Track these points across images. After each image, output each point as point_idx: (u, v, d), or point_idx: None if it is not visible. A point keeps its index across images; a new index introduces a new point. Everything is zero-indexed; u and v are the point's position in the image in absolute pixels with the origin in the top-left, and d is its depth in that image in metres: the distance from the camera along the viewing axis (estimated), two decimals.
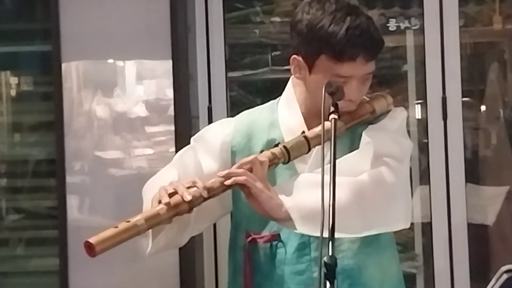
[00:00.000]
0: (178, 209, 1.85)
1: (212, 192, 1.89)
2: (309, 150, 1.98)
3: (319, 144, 1.96)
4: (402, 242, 3.44)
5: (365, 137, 1.97)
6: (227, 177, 1.90)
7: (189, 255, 2.92)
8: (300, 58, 2.00)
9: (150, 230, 1.93)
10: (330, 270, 1.52)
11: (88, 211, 2.98)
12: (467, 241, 3.20)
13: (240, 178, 1.88)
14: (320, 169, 1.87)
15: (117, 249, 2.88)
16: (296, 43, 2.00)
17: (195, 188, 1.87)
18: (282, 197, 1.91)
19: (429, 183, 3.24)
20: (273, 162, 1.94)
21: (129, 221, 1.81)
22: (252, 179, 1.88)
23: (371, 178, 1.92)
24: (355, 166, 1.92)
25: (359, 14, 1.96)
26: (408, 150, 2.05)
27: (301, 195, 1.90)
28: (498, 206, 3.62)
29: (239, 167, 1.91)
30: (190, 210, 1.88)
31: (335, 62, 1.94)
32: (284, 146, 1.95)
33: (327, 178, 1.64)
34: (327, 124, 1.78)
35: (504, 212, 3.62)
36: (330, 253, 1.53)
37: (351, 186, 1.88)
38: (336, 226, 1.58)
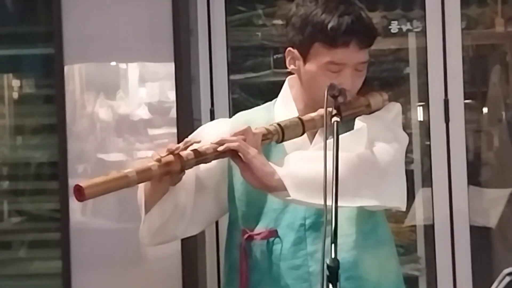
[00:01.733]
0: (169, 167, 1.86)
1: (204, 156, 1.89)
2: (303, 132, 1.99)
3: (314, 128, 1.99)
4: (405, 244, 3.44)
5: (358, 122, 1.99)
6: (220, 143, 1.90)
7: (191, 258, 2.92)
8: (294, 50, 2.03)
9: (143, 204, 1.96)
10: (333, 273, 1.52)
11: (91, 213, 2.98)
12: (469, 243, 3.20)
13: (233, 144, 1.89)
14: (315, 144, 1.96)
15: (120, 252, 2.89)
16: (290, 35, 2.04)
17: (188, 151, 1.89)
18: (275, 167, 1.91)
19: (431, 186, 3.23)
20: (267, 137, 1.95)
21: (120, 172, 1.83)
22: (245, 145, 1.89)
23: (365, 154, 1.93)
24: (349, 148, 1.91)
25: (351, 3, 2.01)
26: (403, 140, 2.05)
27: (294, 165, 1.91)
28: (500, 208, 3.61)
29: (232, 136, 1.92)
30: (181, 171, 1.89)
31: (329, 49, 1.97)
32: (278, 124, 1.97)
33: (323, 157, 1.67)
34: (323, 110, 1.81)
35: (506, 215, 3.62)
36: (333, 256, 1.54)
37: (344, 160, 1.84)
38: (328, 195, 1.61)
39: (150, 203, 1.97)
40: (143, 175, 1.84)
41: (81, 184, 1.76)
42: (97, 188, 1.78)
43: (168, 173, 1.88)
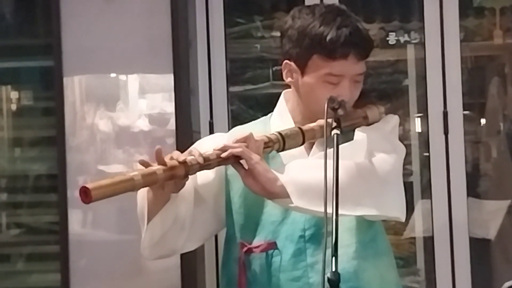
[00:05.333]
0: (174, 171, 1.85)
1: (207, 162, 1.89)
2: (303, 142, 1.99)
3: (313, 138, 2.00)
4: (404, 256, 3.43)
5: (358, 133, 1.99)
6: (223, 149, 1.90)
7: (191, 270, 2.91)
8: (291, 63, 2.03)
9: (146, 214, 1.95)
10: (334, 286, 1.52)
11: (90, 225, 2.97)
12: (469, 255, 3.20)
13: (237, 150, 1.88)
14: (312, 155, 1.96)
15: (119, 264, 2.88)
16: (287, 48, 2.03)
17: (192, 157, 1.88)
18: (277, 174, 1.90)
19: (430, 197, 3.23)
20: (268, 145, 1.95)
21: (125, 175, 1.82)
22: (247, 151, 1.89)
23: (365, 164, 1.94)
24: (349, 158, 1.91)
25: (348, 16, 2.02)
26: (401, 151, 2.06)
27: (296, 172, 1.90)
28: (499, 220, 3.61)
29: (234, 143, 1.92)
30: (185, 176, 1.88)
31: (327, 60, 1.97)
32: (279, 133, 1.97)
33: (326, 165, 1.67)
34: (322, 121, 1.82)
35: (505, 226, 3.62)
36: (334, 269, 1.53)
37: (344, 168, 1.85)
38: (329, 203, 1.60)
39: (152, 212, 1.97)
40: (148, 178, 1.83)
41: (87, 186, 1.74)
42: (104, 190, 1.76)
43: (172, 178, 1.87)
